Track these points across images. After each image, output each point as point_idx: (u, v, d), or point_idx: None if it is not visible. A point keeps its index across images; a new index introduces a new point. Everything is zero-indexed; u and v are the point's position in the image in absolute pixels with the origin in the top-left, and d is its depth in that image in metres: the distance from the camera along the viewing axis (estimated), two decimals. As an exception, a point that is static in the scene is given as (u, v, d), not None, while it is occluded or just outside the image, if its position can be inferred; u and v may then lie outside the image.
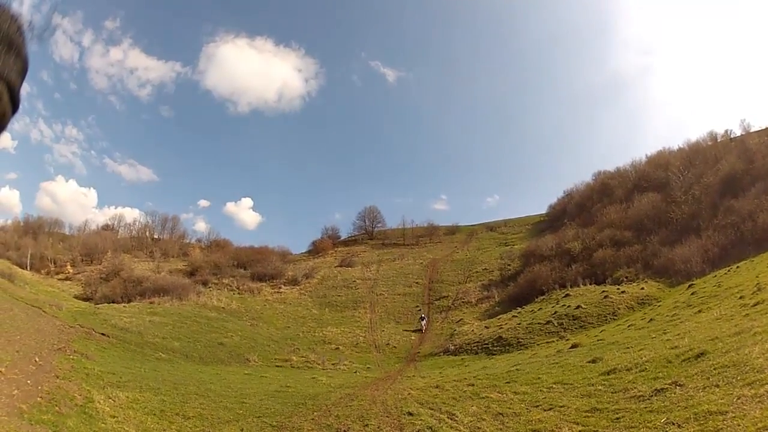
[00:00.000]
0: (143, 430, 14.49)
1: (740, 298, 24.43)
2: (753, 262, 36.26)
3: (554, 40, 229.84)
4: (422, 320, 54.34)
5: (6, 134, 1.44)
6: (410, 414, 14.91)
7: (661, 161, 72.44)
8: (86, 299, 63.64)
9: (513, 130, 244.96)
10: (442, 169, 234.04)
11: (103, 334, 32.80)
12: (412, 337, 51.12)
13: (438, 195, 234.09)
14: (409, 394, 18.39)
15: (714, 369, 12.20)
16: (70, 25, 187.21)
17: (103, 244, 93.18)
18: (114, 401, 16.89)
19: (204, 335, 41.74)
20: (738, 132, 70.75)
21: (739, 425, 8.58)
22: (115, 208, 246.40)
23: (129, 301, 59.93)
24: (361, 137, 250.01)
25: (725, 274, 36.65)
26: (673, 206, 59.35)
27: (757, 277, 28.30)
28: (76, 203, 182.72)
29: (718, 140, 70.99)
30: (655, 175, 68.86)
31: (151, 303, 55.09)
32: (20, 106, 1.42)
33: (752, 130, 68.18)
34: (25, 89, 1.44)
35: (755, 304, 20.86)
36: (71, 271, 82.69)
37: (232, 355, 38.18)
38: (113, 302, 59.10)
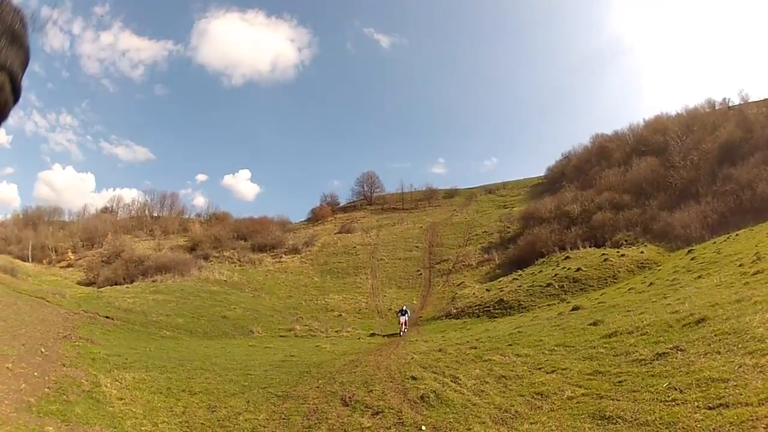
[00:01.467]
0: (150, 409, 14.56)
1: (740, 266, 24.49)
2: (752, 231, 36.49)
3: (552, 3, 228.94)
4: (402, 315, 38.47)
5: (2, 128, 1.49)
6: (414, 378, 15.02)
7: (659, 126, 72.06)
8: (89, 284, 63.58)
9: (510, 93, 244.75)
10: (439, 133, 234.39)
11: (107, 317, 32.82)
12: (414, 301, 51.03)
13: (436, 159, 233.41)
14: (413, 358, 18.47)
15: (715, 335, 12.22)
16: (59, 15, 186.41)
17: (103, 227, 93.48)
18: (121, 383, 16.95)
19: (207, 310, 41.82)
20: (736, 101, 70.33)
21: (741, 394, 8.59)
22: (114, 190, 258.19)
23: (132, 281, 59.88)
24: (356, 104, 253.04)
25: (724, 241, 36.81)
26: (672, 171, 59.11)
27: (756, 246, 28.48)
28: (74, 189, 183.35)
29: (716, 108, 70.56)
30: (654, 140, 68.65)
31: (153, 281, 54.89)
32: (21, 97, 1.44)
33: (750, 100, 67.56)
34: None
35: (755, 273, 20.90)
36: (73, 257, 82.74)
37: (235, 328, 38.30)
38: (116, 284, 58.99)
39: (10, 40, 1.34)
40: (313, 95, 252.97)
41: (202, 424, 13.03)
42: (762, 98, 65.08)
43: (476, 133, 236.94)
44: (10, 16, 1.34)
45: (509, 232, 68.32)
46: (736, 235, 37.41)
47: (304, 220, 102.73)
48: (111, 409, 14.08)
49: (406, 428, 11.23)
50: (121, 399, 15.16)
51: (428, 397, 12.75)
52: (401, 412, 12.17)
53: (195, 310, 40.80)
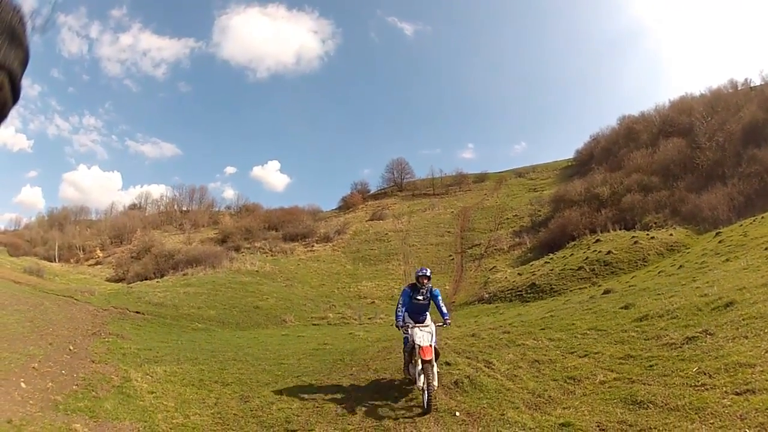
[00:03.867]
0: (182, 401, 14.52)
1: (766, 249, 24.50)
2: None
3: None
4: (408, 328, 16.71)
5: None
6: (447, 364, 15.07)
7: (684, 107, 71.07)
8: (118, 280, 64.25)
9: (535, 78, 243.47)
10: (467, 119, 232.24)
11: (137, 312, 32.58)
12: (447, 286, 50.55)
13: (465, 144, 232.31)
14: (446, 343, 18.12)
15: (742, 319, 12.23)
16: (74, 21, 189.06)
17: (132, 223, 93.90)
18: (152, 377, 16.96)
19: (239, 300, 41.39)
20: (758, 82, 69.53)
21: (767, 380, 8.61)
22: (141, 187, 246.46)
23: (162, 276, 60.02)
24: (383, 93, 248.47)
25: (751, 223, 36.38)
26: (698, 152, 58.57)
27: None
28: (101, 188, 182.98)
29: (739, 88, 69.78)
30: (679, 120, 67.81)
31: (184, 275, 54.83)
32: (20, 97, 1.45)
33: (770, 80, 66.55)
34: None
35: None
36: (101, 255, 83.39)
37: (268, 318, 37.89)
38: (146, 279, 59.48)
39: (10, 39, 1.38)
40: (339, 85, 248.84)
41: (234, 414, 13.05)
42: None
43: (504, 117, 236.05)
44: (10, 15, 1.37)
45: (540, 216, 67.87)
46: (762, 217, 36.99)
47: (335, 209, 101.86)
48: (141, 403, 14.12)
49: (440, 414, 11.25)
50: (152, 393, 15.21)
51: (462, 383, 12.85)
52: (435, 398, 12.11)
53: (227, 301, 40.47)
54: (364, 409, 12.47)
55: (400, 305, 14.17)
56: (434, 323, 14.00)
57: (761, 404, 7.82)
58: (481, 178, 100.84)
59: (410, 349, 13.41)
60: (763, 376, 8.66)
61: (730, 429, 7.26)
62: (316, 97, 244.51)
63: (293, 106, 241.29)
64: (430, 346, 12.80)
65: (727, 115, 61.12)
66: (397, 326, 13.95)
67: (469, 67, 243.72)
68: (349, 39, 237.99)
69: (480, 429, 9.68)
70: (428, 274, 14.42)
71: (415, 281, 14.35)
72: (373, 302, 47.04)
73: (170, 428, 12.24)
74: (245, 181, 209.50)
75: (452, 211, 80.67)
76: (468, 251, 63.38)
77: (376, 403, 12.86)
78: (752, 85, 69.69)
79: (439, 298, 14.33)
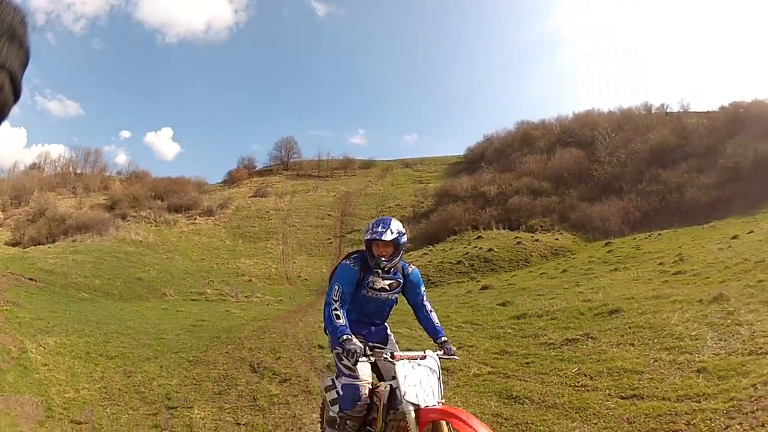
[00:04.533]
0: (72, 375, 13.89)
1: (660, 264, 24.66)
2: (677, 233, 36.92)
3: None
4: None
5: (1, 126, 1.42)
6: (321, 347, 14.80)
7: (588, 120, 72.68)
8: (15, 244, 61.19)
9: (440, 74, 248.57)
10: (363, 105, 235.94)
11: (31, 279, 31.78)
12: (323, 269, 50.11)
13: (356, 130, 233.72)
14: (320, 327, 17.55)
15: (629, 327, 12.21)
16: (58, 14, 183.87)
17: (31, 184, 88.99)
18: (44, 348, 16.34)
19: (123, 271, 40.74)
20: (675, 109, 71.14)
21: (657, 388, 8.44)
22: (43, 145, 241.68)
23: (54, 241, 57.93)
24: (286, 70, 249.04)
25: (645, 238, 37.32)
26: (596, 165, 59.74)
27: (680, 247, 28.79)
28: (5, 145, 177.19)
29: (653, 112, 71.54)
30: (581, 132, 69.05)
31: (73, 241, 53.45)
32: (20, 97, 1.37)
33: (691, 110, 68.56)
34: None
35: (676, 273, 20.98)
36: (2, 216, 78.44)
37: (149, 290, 37.59)
38: (40, 244, 57.13)
39: (10, 39, 1.29)
40: (244, 59, 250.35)
41: (119, 389, 12.57)
42: (703, 110, 66.07)
43: (401, 108, 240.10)
44: (10, 15, 1.29)
45: (423, 208, 67.87)
46: (659, 234, 37.95)
47: (221, 182, 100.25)
48: (37, 375, 13.52)
49: (313, 396, 10.94)
50: (46, 365, 14.59)
51: (333, 366, 12.07)
52: (308, 380, 11.95)
53: (111, 271, 39.72)
54: (239, 388, 12.17)
55: (334, 298, 6.29)
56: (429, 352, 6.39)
57: (651, 410, 7.63)
58: (368, 164, 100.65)
59: (361, 407, 6.21)
60: (652, 384, 8.53)
61: (616, 431, 7.18)
62: (220, 68, 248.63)
63: (195, 75, 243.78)
64: (441, 404, 5.68)
65: (635, 135, 62.50)
66: (333, 344, 6.20)
67: (375, 55, 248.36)
68: (262, 12, 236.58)
69: None
70: (398, 237, 6.39)
71: (366, 249, 6.57)
72: (251, 280, 46.61)
73: (63, 402, 11.76)
74: (138, 146, 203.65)
75: (335, 195, 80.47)
76: (347, 236, 63.05)
77: (251, 382, 12.52)
78: (668, 110, 71.39)
79: (423, 290, 6.98)
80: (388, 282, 6.40)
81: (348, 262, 6.45)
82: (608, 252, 33.65)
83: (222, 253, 57.01)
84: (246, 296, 37.95)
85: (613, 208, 48.09)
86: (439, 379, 5.56)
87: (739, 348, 9.50)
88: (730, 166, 47.74)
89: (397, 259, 6.41)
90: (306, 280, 47.40)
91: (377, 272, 6.25)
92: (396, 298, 6.69)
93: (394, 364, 5.48)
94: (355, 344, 5.52)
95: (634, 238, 38.62)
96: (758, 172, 44.49)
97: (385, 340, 6.87)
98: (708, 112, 64.45)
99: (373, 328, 6.74)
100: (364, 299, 6.42)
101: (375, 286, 6.37)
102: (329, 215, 70.27)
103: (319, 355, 14.00)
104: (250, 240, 62.37)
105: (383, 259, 6.22)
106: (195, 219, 71.91)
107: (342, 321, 5.77)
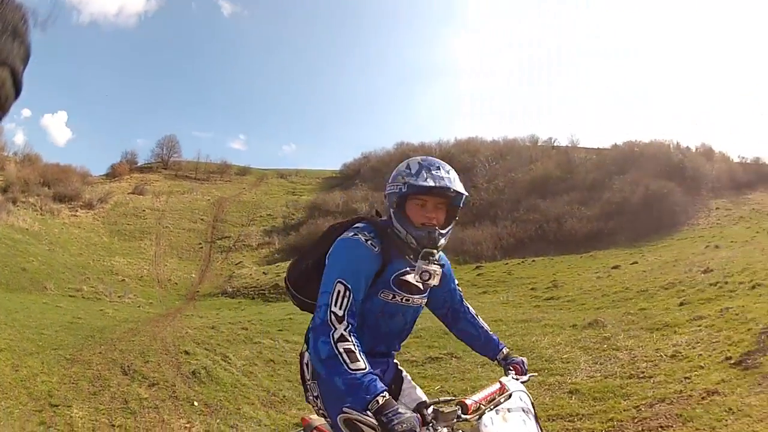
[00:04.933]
0: None
1: (532, 289, 25.13)
2: (552, 260, 37.62)
3: (396, 16, 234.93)
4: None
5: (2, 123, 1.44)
6: (187, 353, 14.60)
7: (470, 147, 74.28)
8: None
9: (327, 88, 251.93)
10: (247, 110, 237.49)
11: None
12: (193, 275, 50.48)
13: (237, 134, 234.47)
14: (187, 332, 18.04)
15: None
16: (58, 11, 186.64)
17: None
18: None
19: (10, 259, 39.71)
20: (563, 143, 73.62)
21: None
22: None
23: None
24: (183, 65, 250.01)
25: (518, 264, 37.90)
26: (473, 191, 59.03)
27: (554, 274, 29.25)
28: None
29: (539, 144, 73.96)
30: (461, 158, 68.80)
31: (-35, 224, 52.13)
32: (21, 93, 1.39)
33: (580, 145, 71.20)
34: None
35: (548, 298, 21.42)
36: None
37: (32, 282, 36.52)
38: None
39: (12, 36, 1.30)
40: (147, 49, 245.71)
41: (9, 383, 11.94)
42: (591, 146, 68.99)
43: (283, 117, 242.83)
44: (12, 12, 1.30)
45: (293, 219, 68.01)
46: (533, 260, 38.56)
47: (103, 175, 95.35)
48: None
49: (180, 402, 10.72)
50: None
51: (200, 373, 12.37)
52: (174, 385, 11.70)
53: (1, 258, 38.90)
54: (112, 389, 11.64)
55: (336, 314, 3.00)
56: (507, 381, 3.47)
57: None
58: (244, 171, 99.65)
59: None
60: None
61: None
62: (122, 56, 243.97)
63: (98, 60, 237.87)
64: None
65: (517, 165, 64.19)
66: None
67: (267, 61, 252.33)
68: (173, 3, 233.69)
69: (218, 420, 9.42)
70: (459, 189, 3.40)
71: (394, 213, 3.34)
72: (124, 280, 45.40)
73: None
74: (35, 128, 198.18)
75: (209, 199, 79.41)
76: (218, 242, 63.01)
77: (123, 384, 12.03)
78: (556, 144, 73.88)
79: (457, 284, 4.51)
80: (428, 277, 3.23)
81: (359, 237, 3.26)
82: (478, 275, 34.25)
83: (99, 250, 55.82)
84: (119, 296, 37.34)
85: (486, 233, 49.18)
86: (536, 418, 3.26)
87: (617, 371, 9.63)
88: (616, 200, 49.37)
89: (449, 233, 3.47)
90: (176, 284, 46.87)
91: (428, 259, 3.20)
92: (420, 306, 3.81)
93: (478, 423, 2.93)
94: (406, 419, 2.67)
95: (506, 263, 39.30)
96: (648, 207, 46.41)
97: (399, 378, 3.87)
98: (598, 148, 67.26)
99: (388, 361, 3.82)
100: (383, 311, 3.43)
101: (405, 286, 3.41)
102: (202, 219, 69.78)
103: (185, 361, 13.80)
104: (125, 238, 61.24)
105: (439, 231, 3.28)
106: (77, 211, 69.64)
107: (361, 363, 2.88)
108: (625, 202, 48.91)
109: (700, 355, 9.57)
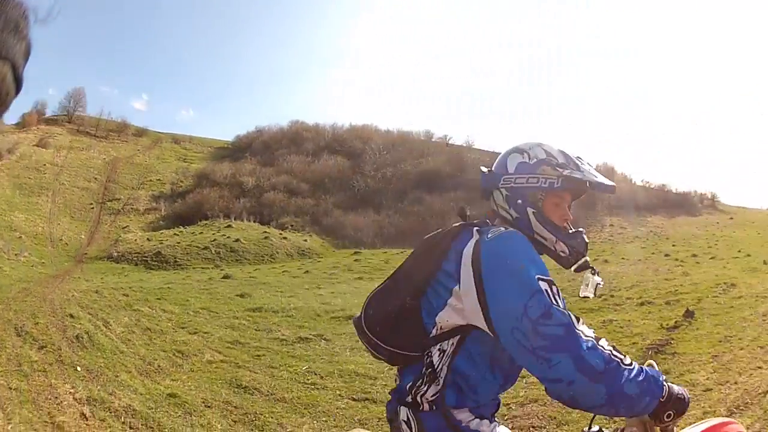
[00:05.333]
0: None
1: None
2: None
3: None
4: None
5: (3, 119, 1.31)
6: (72, 316, 14.28)
7: (363, 134, 74.65)
8: None
9: (235, 57, 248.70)
10: (153, 70, 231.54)
11: None
12: (83, 236, 49.10)
13: (140, 94, 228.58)
14: (73, 296, 17.92)
15: None
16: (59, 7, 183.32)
17: None
18: None
19: None
20: (459, 142, 74.59)
21: (388, 394, 8.48)
22: None
23: None
24: (100, 17, 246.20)
25: (397, 254, 37.70)
26: (360, 177, 61.54)
27: None
28: None
29: (433, 140, 74.63)
30: (352, 144, 70.86)
31: None
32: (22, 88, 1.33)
33: (474, 146, 72.51)
34: None
35: None
36: None
37: (-62, 236, 34.84)
38: None
39: (13, 31, 1.26)
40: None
41: None
42: (486, 149, 69.99)
43: (187, 80, 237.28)
44: (13, 8, 1.25)
45: (181, 187, 66.34)
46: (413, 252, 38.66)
47: (14, 124, 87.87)
48: None
49: (65, 366, 10.26)
50: None
51: (83, 338, 12.10)
52: (60, 349, 11.41)
53: None
54: (8, 350, 11.23)
55: (573, 318, 2.12)
56: None
57: (383, 414, 7.61)
58: (141, 133, 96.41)
59: None
60: (385, 390, 8.69)
61: (346, 429, 7.29)
62: None
63: None
64: None
65: (408, 157, 65.07)
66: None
67: (181, 24, 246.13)
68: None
69: (98, 387, 9.16)
70: None
71: (526, 209, 2.50)
72: (21, 237, 43.55)
73: None
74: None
75: (105, 158, 77.01)
76: (108, 203, 60.97)
77: (16, 346, 11.79)
78: (450, 142, 74.71)
79: None
80: (601, 288, 2.84)
81: (529, 244, 2.40)
82: (355, 261, 34.75)
83: (1, 203, 52.76)
84: (15, 254, 35.73)
85: (368, 220, 49.67)
86: None
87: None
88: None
89: None
90: (66, 244, 45.50)
91: (594, 270, 2.69)
92: None
93: None
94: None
95: (385, 252, 39.61)
96: None
97: None
98: (493, 152, 66.61)
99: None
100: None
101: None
102: (96, 179, 67.46)
103: (70, 324, 13.51)
104: (26, 193, 58.26)
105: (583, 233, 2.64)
106: (-12, 162, 66.48)
107: (629, 361, 2.20)
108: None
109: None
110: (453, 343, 2.27)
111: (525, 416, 7.57)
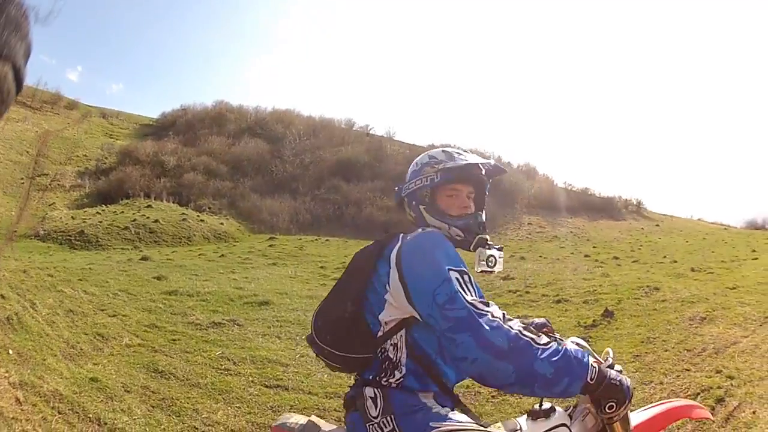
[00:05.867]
0: None
1: (321, 267, 25.54)
2: (347, 242, 38.40)
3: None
4: None
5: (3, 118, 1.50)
6: (3, 297, 13.53)
7: (284, 118, 74.44)
8: None
9: (169, 33, 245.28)
10: (90, 39, 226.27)
11: None
12: (12, 213, 46.24)
13: (75, 65, 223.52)
14: (4, 275, 16.83)
15: (277, 321, 12.74)
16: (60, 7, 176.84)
17: None
18: None
19: None
20: (379, 133, 74.40)
21: (302, 382, 8.93)
22: None
23: None
24: None
25: (312, 241, 38.74)
26: (278, 161, 61.43)
27: (346, 256, 28.90)
28: None
29: (354, 128, 74.54)
30: (273, 128, 70.65)
31: None
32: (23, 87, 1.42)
33: (395, 138, 72.39)
34: None
35: (336, 279, 21.78)
36: None
37: None
38: None
39: (14, 31, 1.35)
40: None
41: None
42: (407, 141, 70.61)
43: (120, 53, 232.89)
44: (13, 8, 1.33)
45: (106, 164, 63.76)
46: (327, 240, 39.59)
47: None
48: None
49: None
50: None
51: (12, 320, 11.55)
52: None
53: None
54: None
55: (476, 295, 2.49)
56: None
57: (297, 402, 8.15)
58: (72, 105, 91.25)
59: None
60: (297, 377, 9.06)
61: (259, 416, 7.54)
62: None
63: None
64: None
65: (328, 144, 65.41)
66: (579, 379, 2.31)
67: None
68: None
69: (29, 371, 9.16)
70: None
71: (426, 207, 2.93)
72: None
73: None
74: None
75: (37, 131, 73.17)
76: (37, 179, 58.13)
77: None
78: (371, 132, 74.85)
79: None
80: (494, 260, 2.99)
81: (443, 239, 2.74)
82: (270, 246, 34.75)
83: None
84: None
85: (284, 206, 49.59)
86: None
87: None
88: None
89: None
90: None
91: (486, 244, 2.91)
92: None
93: None
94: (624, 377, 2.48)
95: (300, 239, 39.96)
96: None
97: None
98: (413, 144, 68.55)
99: None
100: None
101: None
102: (27, 152, 64.67)
103: (1, 306, 12.86)
104: None
105: (482, 216, 3.00)
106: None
107: (542, 337, 2.44)
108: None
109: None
110: (402, 335, 2.56)
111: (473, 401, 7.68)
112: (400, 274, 2.56)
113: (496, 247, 2.90)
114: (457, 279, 2.42)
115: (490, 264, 2.84)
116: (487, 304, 2.39)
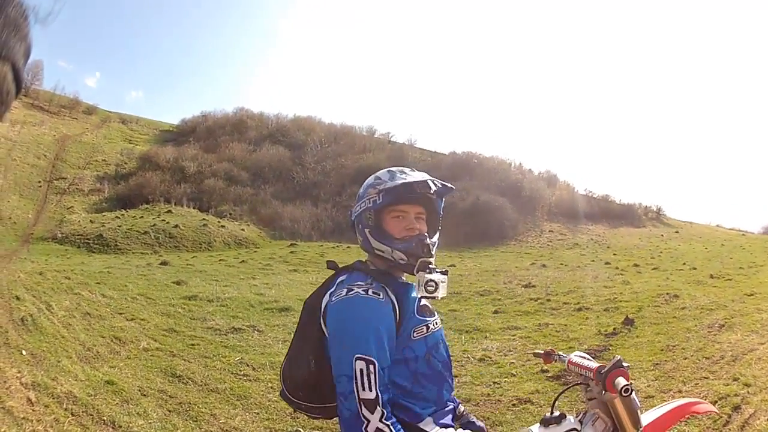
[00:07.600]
0: None
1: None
2: None
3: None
4: None
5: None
6: (18, 298, 13.95)
7: (306, 125, 73.88)
8: None
9: (187, 39, 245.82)
10: (109, 46, 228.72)
11: None
12: (29, 215, 46.92)
13: (94, 71, 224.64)
14: (19, 277, 17.51)
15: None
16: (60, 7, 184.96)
17: None
18: None
19: None
20: (401, 140, 74.11)
21: None
22: None
23: None
24: None
25: (333, 248, 38.19)
26: (300, 168, 61.07)
27: None
28: None
29: (375, 136, 74.11)
30: (295, 135, 70.24)
31: None
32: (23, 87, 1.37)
33: (416, 145, 72.02)
34: None
35: None
36: None
37: None
38: None
39: (14, 31, 1.30)
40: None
41: None
42: (427, 148, 70.58)
43: (140, 59, 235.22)
44: (13, 8, 1.28)
45: (125, 169, 63.93)
46: (348, 247, 38.52)
47: None
48: None
49: (12, 350, 9.94)
50: None
51: (27, 321, 11.83)
52: (8, 332, 11.13)
53: None
54: None
55: (366, 396, 2.30)
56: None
57: None
58: (91, 111, 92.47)
59: None
60: None
61: (278, 422, 7.28)
62: None
63: None
64: None
65: (349, 152, 64.74)
66: None
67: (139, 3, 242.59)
68: None
69: (42, 372, 8.95)
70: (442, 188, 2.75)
71: (371, 235, 2.71)
72: None
73: None
74: None
75: (55, 135, 73.51)
76: (55, 182, 58.34)
77: None
78: (392, 139, 74.47)
79: None
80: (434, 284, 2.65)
81: (356, 292, 2.52)
82: (291, 252, 34.28)
83: None
84: None
85: (305, 213, 49.34)
86: None
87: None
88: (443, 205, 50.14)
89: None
90: (15, 223, 44.13)
91: (427, 268, 2.63)
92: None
93: None
94: None
95: (321, 245, 39.62)
96: (474, 216, 47.05)
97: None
98: (435, 152, 68.73)
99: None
100: (428, 345, 2.74)
101: (424, 311, 2.78)
102: (45, 156, 64.70)
103: (15, 306, 13.24)
104: None
105: (427, 238, 2.72)
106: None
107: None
108: (451, 207, 48.04)
109: (512, 363, 9.70)
110: None
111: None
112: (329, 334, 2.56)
113: (439, 270, 2.70)
114: (361, 371, 2.34)
115: (429, 289, 2.60)
116: (375, 405, 2.31)
